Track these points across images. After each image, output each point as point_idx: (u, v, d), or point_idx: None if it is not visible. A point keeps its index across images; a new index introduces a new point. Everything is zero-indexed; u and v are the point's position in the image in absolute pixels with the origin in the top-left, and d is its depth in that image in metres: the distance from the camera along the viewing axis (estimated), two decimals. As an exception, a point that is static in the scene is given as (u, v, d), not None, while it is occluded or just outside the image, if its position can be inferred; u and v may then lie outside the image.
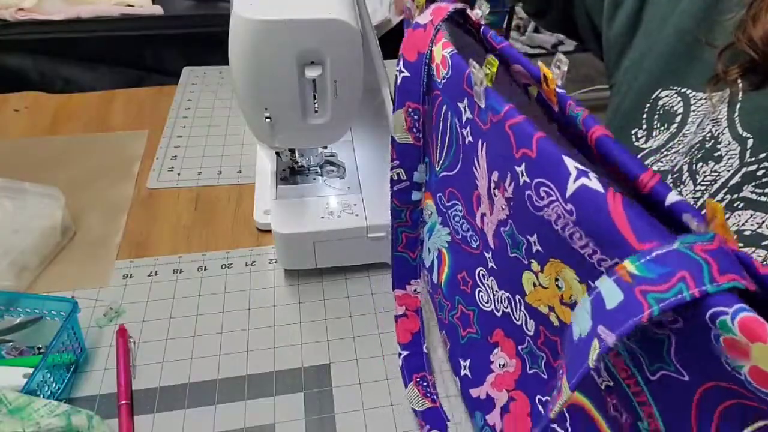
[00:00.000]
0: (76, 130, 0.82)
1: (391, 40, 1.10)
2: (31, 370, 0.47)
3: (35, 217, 0.62)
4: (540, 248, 0.32)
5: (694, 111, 0.48)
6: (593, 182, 0.26)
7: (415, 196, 0.47)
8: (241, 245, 0.66)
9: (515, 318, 0.39)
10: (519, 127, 0.31)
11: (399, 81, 0.41)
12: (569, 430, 0.35)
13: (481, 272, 0.42)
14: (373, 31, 0.76)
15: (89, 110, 0.85)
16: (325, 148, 0.67)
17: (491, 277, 0.40)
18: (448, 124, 0.41)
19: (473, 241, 0.42)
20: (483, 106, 0.34)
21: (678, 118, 0.49)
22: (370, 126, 0.74)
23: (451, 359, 0.48)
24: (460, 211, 0.43)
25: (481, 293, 0.43)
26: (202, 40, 1.04)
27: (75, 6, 1.02)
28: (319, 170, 0.65)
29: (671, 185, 0.48)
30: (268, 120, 0.52)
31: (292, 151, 0.65)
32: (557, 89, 0.31)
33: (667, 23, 0.52)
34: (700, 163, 0.45)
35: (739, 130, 0.43)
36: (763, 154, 0.41)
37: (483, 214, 0.39)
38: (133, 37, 1.03)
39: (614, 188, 0.25)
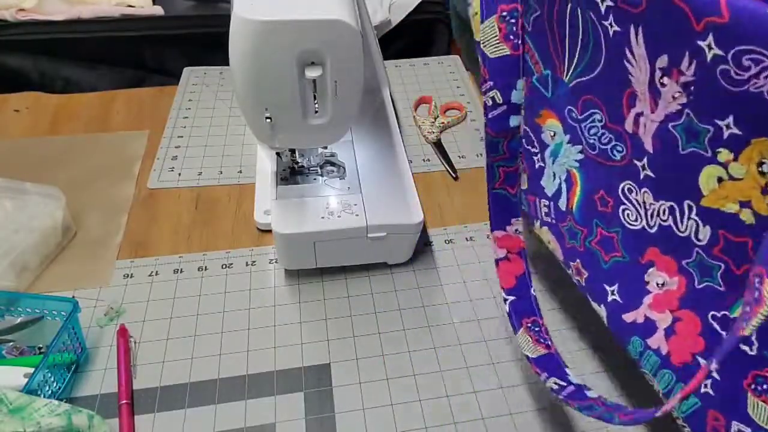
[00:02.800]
0: (77, 130, 0.82)
1: (391, 40, 1.10)
2: (31, 370, 0.47)
3: (36, 217, 0.62)
4: (737, 130, 0.29)
5: None
6: None
7: (513, 121, 0.42)
8: (241, 245, 0.66)
9: (679, 229, 0.35)
10: None
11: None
12: (755, 342, 0.32)
13: (626, 187, 0.39)
14: (373, 32, 0.77)
15: (90, 110, 0.85)
16: (325, 148, 0.67)
17: (644, 189, 0.37)
18: (578, 21, 0.37)
19: (616, 153, 0.39)
20: None
21: None
22: (370, 126, 0.74)
23: (592, 288, 0.44)
24: (600, 121, 0.39)
25: (627, 211, 0.39)
26: (203, 40, 1.04)
27: (75, 6, 1.02)
28: (319, 170, 0.65)
29: None
30: (268, 120, 0.52)
31: (293, 151, 0.65)
32: None
33: None
34: None
35: None
36: None
37: (638, 114, 0.35)
38: (134, 38, 1.03)
39: None
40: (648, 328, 0.39)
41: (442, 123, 0.84)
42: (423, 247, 0.66)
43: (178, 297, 0.60)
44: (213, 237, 0.67)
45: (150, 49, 1.05)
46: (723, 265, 0.34)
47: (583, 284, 0.46)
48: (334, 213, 0.60)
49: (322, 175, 0.65)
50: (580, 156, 0.42)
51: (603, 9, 0.34)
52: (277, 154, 0.66)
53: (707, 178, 0.32)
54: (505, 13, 0.37)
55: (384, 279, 0.63)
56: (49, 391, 0.49)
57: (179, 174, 0.75)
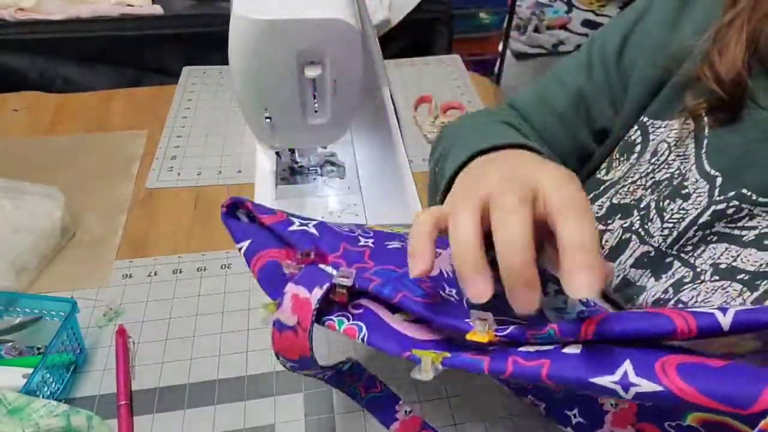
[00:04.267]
0: (76, 129, 0.82)
1: (391, 39, 1.10)
2: (30, 371, 0.47)
3: (35, 217, 0.62)
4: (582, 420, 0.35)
5: (653, 139, 0.47)
6: None
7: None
8: (240, 245, 0.66)
9: None
10: None
11: (288, 366, 0.38)
12: None
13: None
14: (373, 31, 0.76)
15: (88, 110, 0.85)
16: (325, 148, 0.67)
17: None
18: None
19: None
20: None
21: (637, 148, 0.48)
22: (370, 126, 0.74)
23: (554, 415, 0.46)
24: None
25: None
26: (202, 39, 1.04)
27: (74, 6, 1.02)
28: (319, 170, 0.65)
29: (639, 221, 0.46)
30: (268, 120, 0.52)
31: (292, 150, 0.64)
32: (500, 337, 0.30)
33: (633, 79, 0.50)
34: (668, 201, 0.44)
35: (707, 167, 0.42)
36: (732, 193, 0.40)
37: None
38: (133, 37, 1.03)
39: None
40: None
41: (443, 123, 0.84)
42: (423, 247, 0.66)
43: (177, 297, 0.60)
44: (212, 237, 0.67)
45: (149, 48, 1.05)
46: None
47: (544, 414, 0.47)
48: (334, 213, 0.59)
49: (321, 175, 0.65)
50: None
51: None
52: (277, 153, 0.66)
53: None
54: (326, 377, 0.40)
55: (384, 279, 0.62)
56: (48, 392, 0.49)
57: (178, 174, 0.75)
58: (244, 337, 0.56)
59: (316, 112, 0.53)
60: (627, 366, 0.24)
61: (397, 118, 0.77)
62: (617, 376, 0.24)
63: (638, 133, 0.48)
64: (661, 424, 0.37)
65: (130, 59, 1.05)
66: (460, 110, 0.87)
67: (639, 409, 0.38)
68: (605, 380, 0.25)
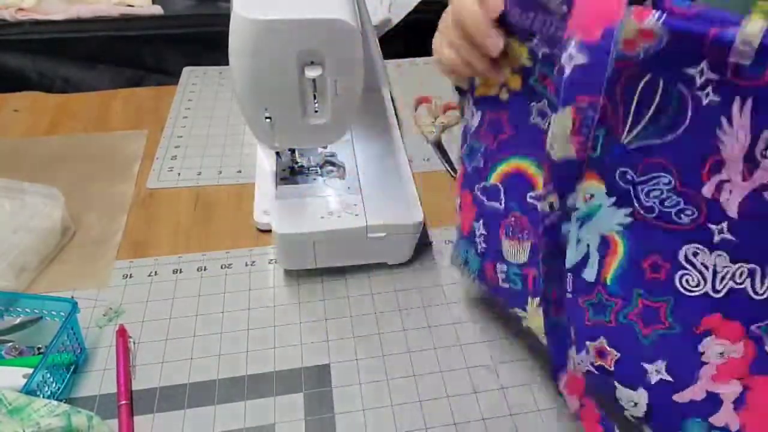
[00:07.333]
0: (76, 130, 0.82)
1: (391, 39, 1.10)
2: (30, 371, 0.47)
3: (35, 217, 0.62)
4: None
5: None
6: None
7: (564, 228, 0.38)
8: (240, 245, 0.66)
9: (757, 292, 0.34)
10: None
11: (568, 71, 0.31)
12: None
13: (691, 251, 0.36)
14: (373, 31, 0.76)
15: (89, 110, 0.85)
16: (325, 148, 0.67)
17: (717, 253, 0.35)
18: (657, 90, 0.34)
19: (683, 216, 0.36)
20: (748, 64, 0.29)
21: None
22: (370, 126, 0.74)
23: (625, 371, 0.40)
24: (667, 184, 0.36)
25: (686, 277, 0.37)
26: (202, 39, 1.04)
27: (75, 6, 1.02)
28: (319, 170, 0.65)
29: None
30: (268, 120, 0.52)
31: (292, 151, 0.65)
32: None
33: None
34: None
35: None
36: None
37: (723, 181, 0.33)
38: (133, 37, 1.03)
39: None
40: (710, 404, 0.36)
41: (442, 123, 0.84)
42: (423, 247, 0.66)
43: (177, 297, 0.60)
44: (212, 237, 0.67)
45: (149, 48, 1.05)
46: None
47: (611, 368, 0.40)
48: (334, 213, 0.59)
49: (321, 175, 0.65)
50: (628, 219, 0.38)
51: (699, 82, 0.32)
52: (277, 153, 0.66)
53: None
54: (584, 105, 0.33)
55: (384, 279, 0.62)
56: (48, 392, 0.49)
57: (178, 174, 0.75)
58: (244, 337, 0.56)
59: (316, 112, 0.53)
60: None
61: (397, 118, 0.77)
62: None
63: None
64: None
65: (130, 59, 1.05)
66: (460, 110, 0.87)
67: (755, 361, 0.34)
68: None
